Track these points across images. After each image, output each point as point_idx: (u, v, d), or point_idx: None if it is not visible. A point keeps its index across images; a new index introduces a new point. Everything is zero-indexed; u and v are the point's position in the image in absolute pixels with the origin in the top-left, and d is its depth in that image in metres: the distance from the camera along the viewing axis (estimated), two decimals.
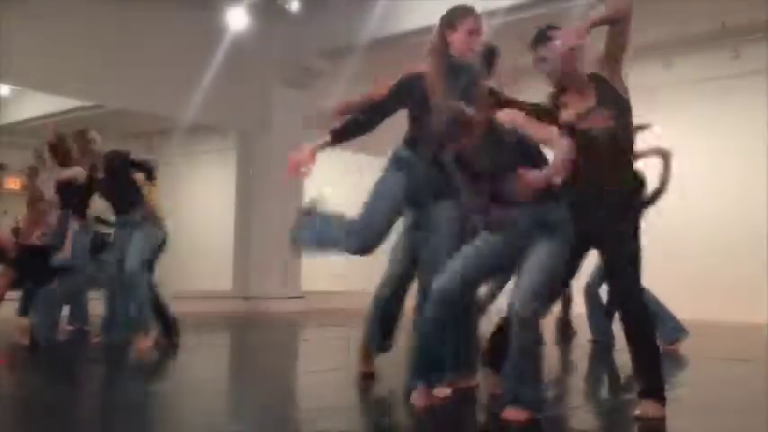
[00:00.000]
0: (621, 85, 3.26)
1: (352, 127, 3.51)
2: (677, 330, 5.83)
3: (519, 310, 2.99)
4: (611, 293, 6.04)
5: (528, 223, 3.04)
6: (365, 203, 3.62)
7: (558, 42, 3.12)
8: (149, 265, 5.53)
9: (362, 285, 11.26)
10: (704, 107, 9.43)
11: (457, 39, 3.48)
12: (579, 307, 6.34)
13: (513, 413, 3.01)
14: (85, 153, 5.46)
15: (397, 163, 3.62)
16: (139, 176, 5.81)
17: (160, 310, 5.61)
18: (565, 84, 3.26)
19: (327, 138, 3.48)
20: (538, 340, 3.08)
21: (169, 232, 5.78)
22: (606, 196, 3.20)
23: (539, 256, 3.01)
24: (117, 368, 4.86)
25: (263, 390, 3.98)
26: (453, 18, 3.50)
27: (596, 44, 3.29)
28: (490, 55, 3.88)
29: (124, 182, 5.47)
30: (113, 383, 4.38)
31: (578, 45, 3.09)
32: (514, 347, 3.05)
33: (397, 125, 3.79)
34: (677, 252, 9.29)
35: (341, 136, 3.49)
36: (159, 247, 5.64)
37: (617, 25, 3.18)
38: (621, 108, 3.23)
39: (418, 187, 3.57)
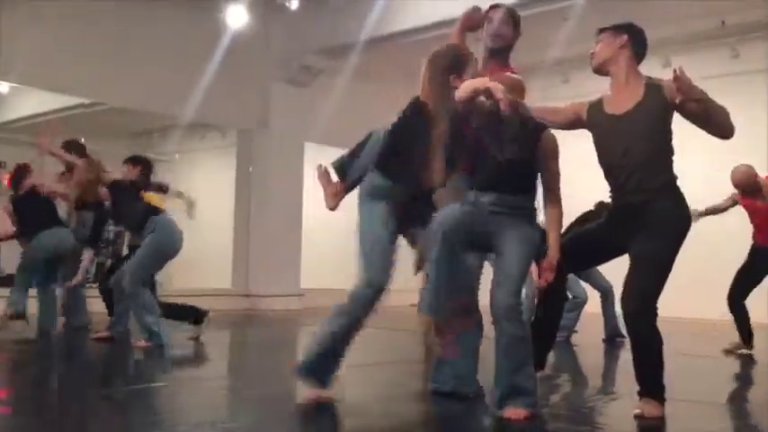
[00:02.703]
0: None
1: None
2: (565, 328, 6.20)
3: (507, 301, 3.02)
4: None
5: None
6: (363, 248, 3.30)
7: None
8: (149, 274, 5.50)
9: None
10: None
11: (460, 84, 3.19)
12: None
13: (513, 412, 3.01)
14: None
15: (373, 193, 3.32)
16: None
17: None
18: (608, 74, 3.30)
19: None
20: (526, 330, 3.11)
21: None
22: (654, 204, 3.19)
23: (517, 252, 3.07)
24: (118, 363, 4.88)
25: (263, 385, 3.99)
26: (461, 65, 3.25)
27: None
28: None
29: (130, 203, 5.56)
30: (114, 378, 4.39)
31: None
32: (504, 341, 3.06)
33: None
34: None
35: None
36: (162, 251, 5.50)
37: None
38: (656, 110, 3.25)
39: (403, 216, 3.34)
